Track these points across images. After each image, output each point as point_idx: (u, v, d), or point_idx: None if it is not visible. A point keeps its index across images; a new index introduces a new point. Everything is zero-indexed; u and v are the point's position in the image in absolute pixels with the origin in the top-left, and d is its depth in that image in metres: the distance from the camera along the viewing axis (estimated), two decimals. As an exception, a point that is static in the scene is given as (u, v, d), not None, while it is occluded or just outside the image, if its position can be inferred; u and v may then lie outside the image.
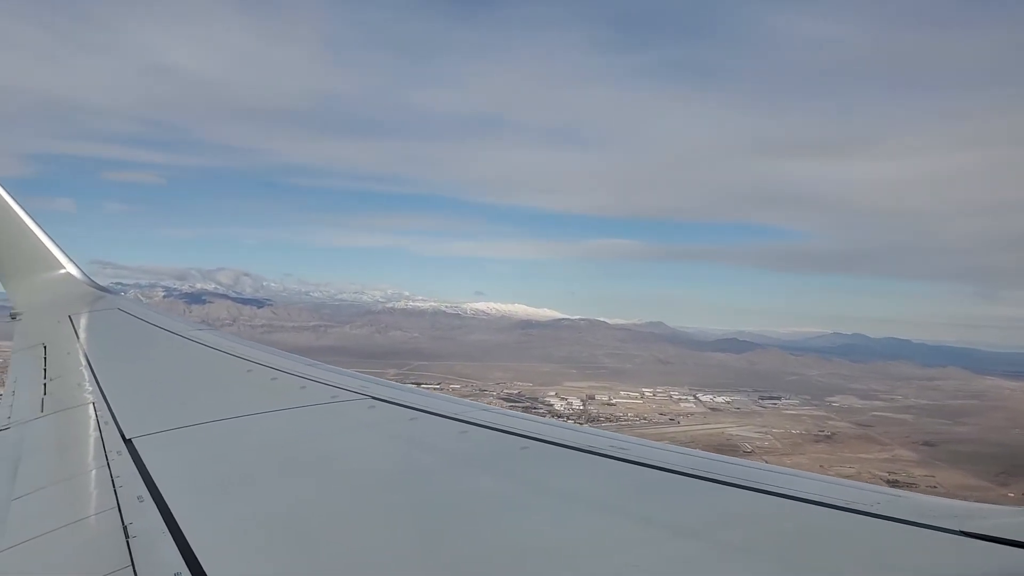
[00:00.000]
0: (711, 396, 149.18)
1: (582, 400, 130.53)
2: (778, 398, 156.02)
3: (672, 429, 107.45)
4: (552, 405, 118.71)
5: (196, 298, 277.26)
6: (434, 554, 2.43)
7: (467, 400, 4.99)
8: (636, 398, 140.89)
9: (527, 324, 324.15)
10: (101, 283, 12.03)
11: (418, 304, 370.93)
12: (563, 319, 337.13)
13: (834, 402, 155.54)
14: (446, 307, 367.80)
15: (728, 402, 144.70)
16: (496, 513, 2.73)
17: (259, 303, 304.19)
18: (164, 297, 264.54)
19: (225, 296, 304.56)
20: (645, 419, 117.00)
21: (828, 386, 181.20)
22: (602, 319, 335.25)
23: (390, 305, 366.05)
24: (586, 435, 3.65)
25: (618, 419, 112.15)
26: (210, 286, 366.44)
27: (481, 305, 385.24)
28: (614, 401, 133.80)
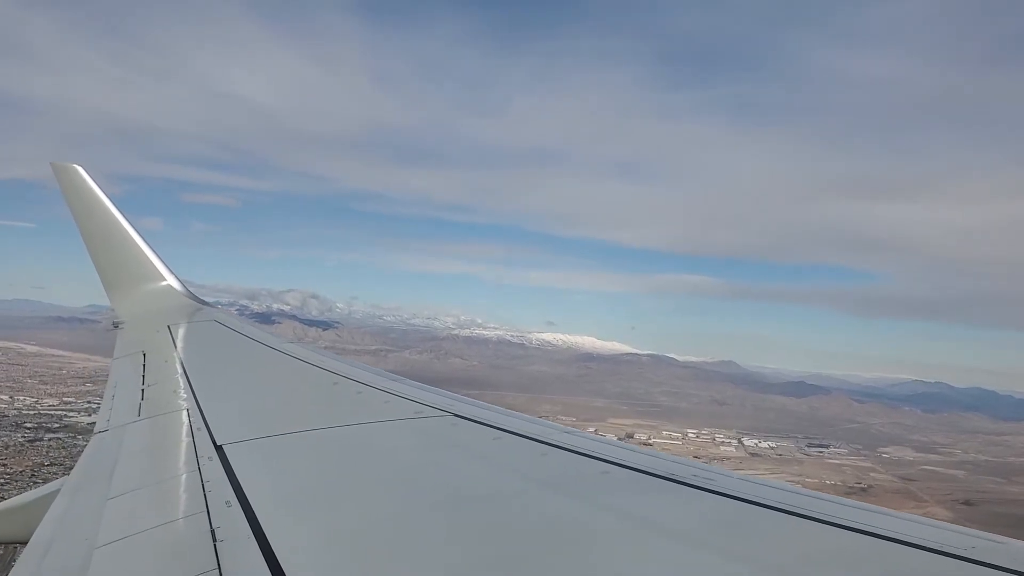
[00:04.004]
0: (757, 441, 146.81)
1: (619, 438, 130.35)
2: (826, 446, 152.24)
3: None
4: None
5: (266, 318, 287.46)
6: (511, 575, 2.43)
7: (549, 422, 5.05)
8: (677, 439, 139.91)
9: (589, 357, 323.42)
10: None
11: (483, 332, 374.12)
12: (628, 353, 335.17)
13: (886, 453, 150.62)
14: (511, 336, 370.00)
15: (772, 448, 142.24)
16: (575, 538, 2.69)
17: (325, 325, 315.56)
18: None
19: (293, 317, 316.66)
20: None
21: (886, 436, 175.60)
22: (671, 355, 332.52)
23: (455, 332, 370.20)
24: (668, 463, 3.64)
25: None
26: (281, 307, 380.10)
27: (547, 336, 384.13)
28: (652, 441, 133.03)
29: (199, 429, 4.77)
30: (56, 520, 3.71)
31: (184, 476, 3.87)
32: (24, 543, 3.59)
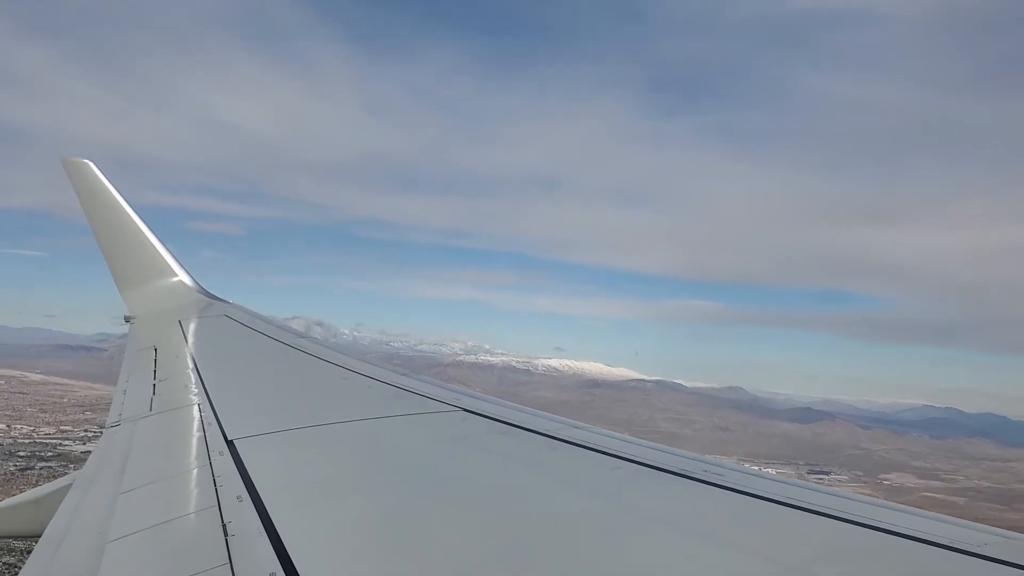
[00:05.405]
0: (757, 467, 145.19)
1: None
2: (828, 473, 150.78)
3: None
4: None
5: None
6: (521, 571, 2.42)
7: (559, 417, 4.94)
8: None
9: (595, 383, 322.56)
10: None
11: (489, 358, 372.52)
12: (634, 380, 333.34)
13: (887, 480, 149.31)
14: (516, 362, 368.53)
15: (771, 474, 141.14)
16: (586, 533, 2.67)
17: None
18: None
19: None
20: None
21: (889, 462, 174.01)
22: (679, 381, 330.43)
23: (461, 358, 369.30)
24: (679, 458, 3.60)
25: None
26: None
27: (553, 362, 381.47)
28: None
29: (210, 424, 4.81)
30: (69, 514, 3.77)
31: (195, 471, 3.90)
32: (37, 537, 3.67)
